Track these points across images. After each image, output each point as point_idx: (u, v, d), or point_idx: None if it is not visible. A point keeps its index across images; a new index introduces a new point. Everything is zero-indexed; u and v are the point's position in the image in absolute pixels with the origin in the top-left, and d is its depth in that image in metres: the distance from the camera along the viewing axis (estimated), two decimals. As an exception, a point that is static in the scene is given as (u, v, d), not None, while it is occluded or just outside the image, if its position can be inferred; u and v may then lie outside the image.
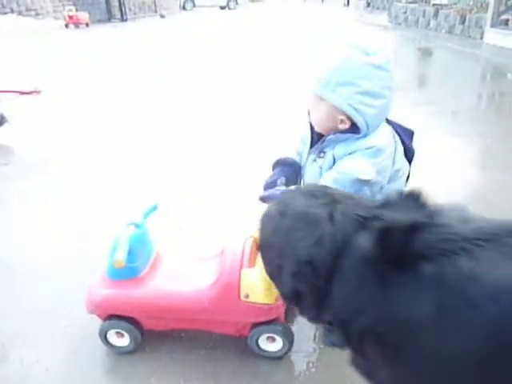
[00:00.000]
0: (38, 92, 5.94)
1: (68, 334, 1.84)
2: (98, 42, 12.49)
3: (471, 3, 10.68)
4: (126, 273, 1.64)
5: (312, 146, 1.54)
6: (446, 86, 6.09)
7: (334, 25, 14.47)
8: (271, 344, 1.61)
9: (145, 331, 1.71)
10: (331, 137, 1.43)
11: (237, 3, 27.41)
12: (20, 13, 18.11)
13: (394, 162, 1.45)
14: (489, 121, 4.54)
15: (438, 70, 7.44)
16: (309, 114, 1.52)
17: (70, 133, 4.46)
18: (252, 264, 1.55)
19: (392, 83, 1.41)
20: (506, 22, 8.69)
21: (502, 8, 8.73)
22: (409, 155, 1.53)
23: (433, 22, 11.61)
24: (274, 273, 1.13)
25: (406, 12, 13.40)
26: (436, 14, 11.45)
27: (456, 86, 6.01)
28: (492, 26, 8.81)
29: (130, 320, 1.66)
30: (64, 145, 4.10)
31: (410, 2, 13.92)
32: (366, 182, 1.36)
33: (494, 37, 8.68)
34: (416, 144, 1.56)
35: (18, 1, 18.32)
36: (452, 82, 6.33)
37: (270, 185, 1.57)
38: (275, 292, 1.49)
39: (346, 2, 23.27)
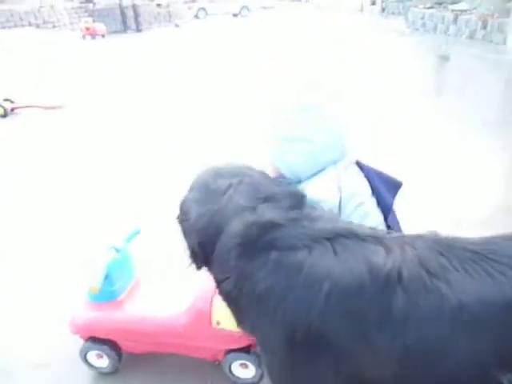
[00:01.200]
0: (60, 107, 6.21)
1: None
2: (115, 52, 12.82)
3: (492, 8, 10.61)
4: (104, 296, 1.70)
5: None
6: (473, 94, 6.02)
7: (349, 32, 14.49)
8: (244, 370, 1.65)
9: (123, 353, 1.76)
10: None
11: (249, 10, 27.78)
12: (38, 26, 18.66)
13: (341, 214, 1.32)
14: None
15: (463, 77, 7.37)
16: None
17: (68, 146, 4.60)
18: (226, 291, 1.59)
19: (323, 125, 1.33)
20: None
21: None
22: (384, 209, 1.40)
23: (452, 28, 11.56)
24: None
25: (423, 18, 13.35)
26: (455, 20, 11.41)
27: (484, 95, 5.97)
28: None
29: (109, 342, 1.72)
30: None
31: (427, 8, 13.87)
32: None
33: None
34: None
35: (35, 14, 18.90)
36: (480, 90, 6.28)
37: None
38: (245, 319, 1.54)
39: (361, 8, 23.22)
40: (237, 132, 4.71)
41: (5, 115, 5.94)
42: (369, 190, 1.39)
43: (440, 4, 13.74)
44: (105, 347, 1.71)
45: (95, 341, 1.73)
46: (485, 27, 10.18)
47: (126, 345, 1.75)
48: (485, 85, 6.57)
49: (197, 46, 12.97)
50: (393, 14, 18.96)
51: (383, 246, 1.03)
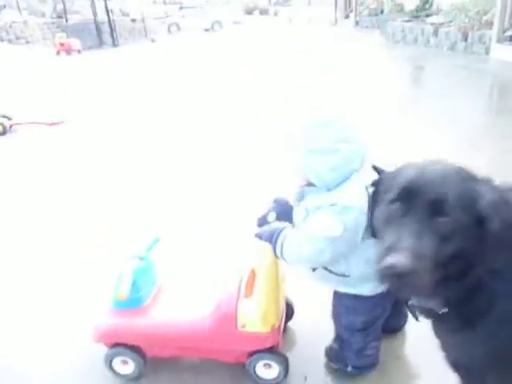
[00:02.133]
0: (61, 123, 6.21)
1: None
2: (97, 68, 12.93)
3: (467, 20, 11.13)
4: (130, 303, 1.78)
5: None
6: (455, 102, 6.29)
7: (328, 43, 14.95)
8: (267, 371, 1.75)
9: (148, 358, 1.83)
10: (303, 188, 1.58)
11: (221, 26, 28.34)
12: (10, 41, 18.47)
13: (367, 218, 1.43)
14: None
15: (446, 85, 7.67)
16: None
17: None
18: (249, 295, 1.70)
19: (346, 134, 1.46)
20: (511, 38, 9.28)
21: (506, 25, 9.32)
22: None
23: (433, 40, 11.99)
24: None
25: (403, 30, 13.79)
26: (436, 32, 11.85)
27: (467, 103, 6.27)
28: (498, 41, 9.37)
29: (134, 348, 1.79)
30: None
31: (405, 21, 14.39)
32: (334, 239, 1.43)
33: (500, 52, 9.26)
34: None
35: (7, 29, 18.72)
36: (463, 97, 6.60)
37: (261, 220, 1.76)
38: (271, 321, 1.65)
39: (334, 22, 23.79)
40: (218, 141, 5.00)
41: (4, 132, 5.89)
42: None
43: (417, 17, 14.28)
44: (130, 353, 1.78)
45: (120, 347, 1.80)
46: (465, 39, 10.66)
47: (150, 350, 1.82)
48: (467, 93, 6.95)
49: (176, 61, 13.12)
50: (367, 27, 19.52)
51: None
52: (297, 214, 1.65)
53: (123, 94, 8.35)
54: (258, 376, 1.76)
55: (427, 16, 13.85)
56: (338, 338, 1.78)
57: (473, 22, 10.87)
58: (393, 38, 14.21)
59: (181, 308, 1.83)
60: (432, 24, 12.42)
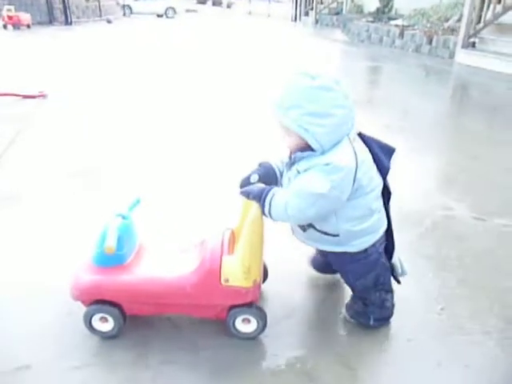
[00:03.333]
0: (43, 96, 5.96)
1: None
2: (55, 44, 12.69)
3: (428, 25, 11.91)
4: (113, 260, 1.82)
5: None
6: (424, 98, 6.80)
7: (295, 40, 15.26)
8: (246, 325, 1.85)
9: (127, 317, 1.88)
10: (296, 154, 1.67)
11: (175, 12, 28.08)
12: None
13: (354, 180, 1.59)
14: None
15: (412, 82, 8.39)
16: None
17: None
18: (231, 252, 1.79)
19: (343, 101, 1.56)
20: (473, 44, 10.15)
21: (471, 31, 10.09)
22: (382, 172, 1.72)
23: (398, 41, 12.56)
24: None
25: (368, 30, 14.30)
26: (402, 34, 12.42)
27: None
28: (463, 46, 10.18)
29: (115, 305, 1.84)
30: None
31: (370, 22, 14.95)
32: (321, 196, 1.55)
33: (464, 57, 10.09)
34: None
35: None
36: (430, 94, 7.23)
37: (243, 181, 1.86)
38: (253, 276, 1.76)
39: (294, 18, 24.08)
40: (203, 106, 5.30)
41: None
42: (371, 157, 1.70)
43: (379, 19, 14.80)
44: (111, 309, 1.82)
45: (100, 304, 1.83)
46: (430, 42, 11.43)
47: (130, 307, 1.87)
48: (434, 89, 7.60)
49: (137, 42, 12.98)
50: (327, 25, 20.01)
51: None
52: (286, 180, 1.76)
53: (87, 69, 8.52)
54: (237, 330, 1.86)
55: (389, 19, 14.42)
56: (359, 297, 1.94)
57: (435, 27, 11.61)
58: (358, 36, 14.71)
59: (163, 265, 1.89)
60: (396, 26, 13.01)
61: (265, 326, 1.86)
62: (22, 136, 4.44)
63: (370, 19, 15.33)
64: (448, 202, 3.15)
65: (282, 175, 1.88)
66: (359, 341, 1.89)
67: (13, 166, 3.72)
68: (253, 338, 1.87)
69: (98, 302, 1.84)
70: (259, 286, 1.85)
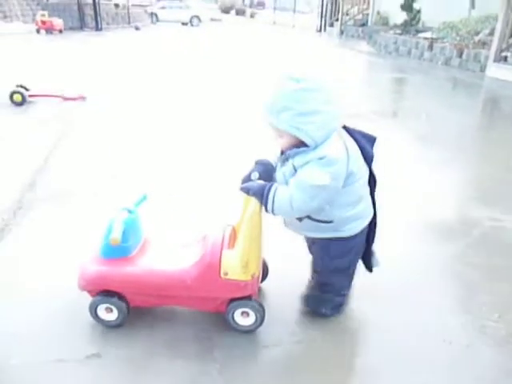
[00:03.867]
0: (83, 98, 6.20)
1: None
2: (89, 49, 13.31)
3: (458, 39, 11.82)
4: (119, 252, 1.91)
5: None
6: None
7: (320, 50, 15.37)
8: (245, 319, 1.90)
9: (130, 308, 1.96)
10: (290, 151, 1.76)
11: (200, 21, 28.54)
12: (-14, 14, 18.08)
13: (347, 170, 1.71)
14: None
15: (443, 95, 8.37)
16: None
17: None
18: (231, 247, 1.85)
19: (329, 98, 1.68)
20: (505, 58, 10.02)
21: (504, 45, 10.02)
22: (368, 160, 1.84)
23: (427, 54, 12.43)
24: None
25: (396, 42, 14.22)
26: (431, 47, 12.30)
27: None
28: (494, 60, 10.09)
29: (120, 296, 1.92)
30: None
31: (398, 34, 14.88)
32: (323, 187, 1.66)
33: (495, 70, 9.99)
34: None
35: (-15, 2, 18.31)
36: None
37: (245, 179, 1.93)
38: (251, 270, 1.81)
39: (318, 28, 24.09)
40: (201, 123, 5.37)
41: (22, 103, 5.83)
42: (357, 147, 1.80)
43: (407, 32, 14.72)
44: (116, 301, 1.90)
45: (105, 295, 1.92)
46: (460, 55, 11.24)
47: (134, 299, 1.94)
48: (465, 102, 7.57)
49: (164, 48, 13.38)
50: (352, 36, 19.97)
51: None
52: (280, 175, 1.83)
53: (118, 72, 8.99)
54: (236, 323, 1.91)
55: (417, 31, 14.36)
56: (321, 284, 2.03)
57: (465, 40, 11.52)
58: (385, 48, 14.67)
59: (166, 259, 1.97)
60: (425, 38, 12.93)
61: (263, 319, 1.91)
62: (67, 136, 4.68)
63: (398, 31, 15.28)
64: (494, 214, 3.13)
65: None
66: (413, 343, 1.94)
67: (61, 164, 3.90)
68: (252, 331, 1.93)
69: (103, 292, 1.92)
70: (258, 280, 1.91)
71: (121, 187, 3.35)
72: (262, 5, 51.24)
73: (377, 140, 1.85)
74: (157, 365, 1.78)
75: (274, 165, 1.94)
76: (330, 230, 1.85)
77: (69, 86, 6.62)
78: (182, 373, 1.75)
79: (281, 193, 1.73)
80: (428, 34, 13.35)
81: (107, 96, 6.79)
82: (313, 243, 2.01)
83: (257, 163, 1.96)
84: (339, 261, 1.94)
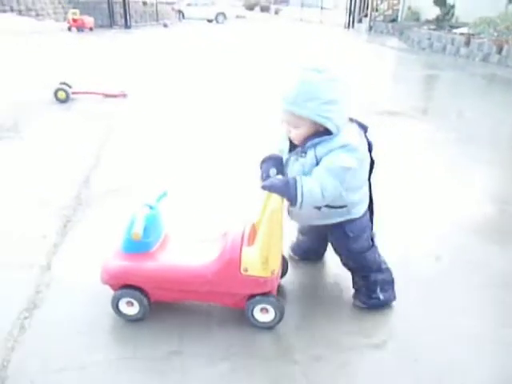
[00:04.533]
0: (124, 95, 6.33)
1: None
2: (121, 46, 13.61)
3: (496, 34, 11.42)
4: (140, 247, 1.94)
5: (290, 151, 1.92)
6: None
7: (350, 46, 15.21)
8: (264, 315, 1.91)
9: (151, 303, 1.99)
10: (311, 142, 1.80)
11: (225, 18, 28.63)
12: (20, 12, 18.60)
13: (362, 154, 1.86)
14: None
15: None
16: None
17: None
18: (251, 244, 1.87)
19: (345, 88, 1.79)
20: None
21: None
22: (369, 147, 1.94)
23: (463, 50, 12.06)
24: None
25: (430, 38, 13.86)
26: (468, 43, 11.93)
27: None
28: None
29: (141, 290, 1.95)
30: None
31: (432, 29, 14.51)
32: (352, 170, 1.77)
33: None
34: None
35: (18, 0, 18.83)
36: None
37: (263, 176, 1.94)
38: (271, 266, 1.82)
39: (347, 25, 23.77)
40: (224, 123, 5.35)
41: (66, 100, 5.99)
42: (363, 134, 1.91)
43: (441, 28, 14.37)
44: (137, 295, 1.94)
45: (127, 289, 1.95)
46: (499, 52, 10.83)
47: (154, 293, 1.97)
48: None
49: (192, 45, 13.56)
50: (381, 32, 19.63)
51: None
52: (297, 168, 1.86)
53: (151, 69, 9.23)
54: (255, 319, 1.92)
55: (451, 27, 14.00)
56: (357, 272, 2.11)
57: (504, 36, 11.07)
58: (418, 44, 14.33)
59: (187, 254, 2.00)
60: (461, 34, 12.56)
61: (282, 316, 1.91)
62: (113, 132, 4.82)
63: (432, 27, 14.94)
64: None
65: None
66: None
67: (112, 160, 4.01)
68: (271, 327, 1.93)
69: (124, 287, 1.96)
70: (277, 277, 1.91)
71: (166, 182, 3.40)
72: (285, 1, 51.11)
73: (368, 128, 1.95)
74: (235, 364, 1.78)
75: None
76: (343, 214, 1.94)
77: (106, 83, 6.79)
78: (262, 373, 1.75)
79: (309, 184, 1.75)
80: (464, 30, 12.93)
81: (144, 92, 6.93)
82: (330, 233, 2.07)
83: (268, 159, 1.98)
84: (360, 242, 2.01)
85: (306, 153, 1.81)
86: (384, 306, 2.08)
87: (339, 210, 1.92)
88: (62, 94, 5.97)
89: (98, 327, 1.98)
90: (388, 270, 2.10)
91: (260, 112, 5.70)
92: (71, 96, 6.04)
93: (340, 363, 1.79)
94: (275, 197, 1.76)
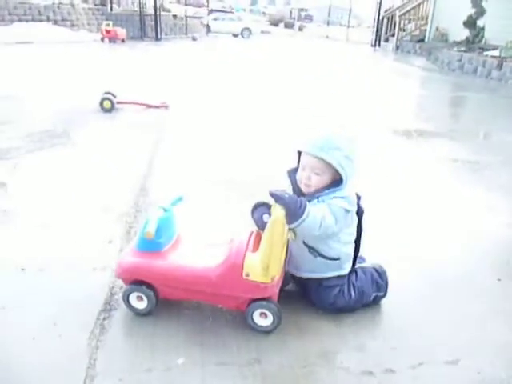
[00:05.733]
0: (166, 106, 6.54)
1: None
2: (155, 58, 14.10)
3: None
4: (152, 246, 2.11)
5: None
6: None
7: (378, 64, 15.44)
8: (263, 319, 2.03)
9: (159, 299, 2.14)
10: (321, 193, 2.02)
11: (250, 33, 29.12)
12: (56, 22, 19.35)
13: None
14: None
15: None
16: (289, 176, 2.17)
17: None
18: (255, 251, 2.01)
19: (357, 153, 2.03)
20: None
21: None
22: (361, 213, 2.15)
23: (495, 73, 12.07)
24: None
25: (460, 60, 13.87)
26: (500, 66, 11.94)
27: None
28: None
29: (150, 286, 2.10)
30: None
31: (462, 51, 14.54)
32: (347, 213, 2.01)
33: None
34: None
35: (55, 10, 19.61)
36: None
37: (260, 224, 2.16)
38: (272, 273, 1.95)
39: (373, 43, 23.80)
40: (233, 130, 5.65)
41: (111, 109, 6.18)
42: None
43: (471, 49, 14.37)
44: (146, 290, 2.09)
45: (137, 284, 2.10)
46: None
47: (162, 290, 2.12)
48: None
49: (221, 58, 14.01)
50: (408, 52, 19.69)
51: None
52: None
53: (185, 80, 9.59)
54: (254, 323, 2.05)
55: (481, 49, 13.97)
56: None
57: None
58: (448, 65, 14.37)
59: (195, 256, 2.14)
60: (493, 57, 12.60)
61: (280, 321, 2.03)
62: (162, 141, 5.02)
63: (462, 48, 14.95)
64: None
65: None
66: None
67: (164, 168, 4.17)
68: (269, 331, 2.05)
69: (135, 282, 2.12)
70: (278, 284, 2.04)
71: (217, 189, 3.64)
72: (309, 18, 51.72)
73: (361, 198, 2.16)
74: (317, 375, 1.83)
75: None
76: (335, 268, 2.15)
77: (144, 93, 7.05)
78: None
79: (315, 211, 1.92)
80: (495, 53, 12.94)
81: (183, 103, 7.15)
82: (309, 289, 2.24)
83: (260, 206, 2.21)
84: (344, 296, 2.17)
85: (310, 201, 2.00)
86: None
87: (331, 261, 2.11)
88: (107, 104, 6.12)
89: (174, 330, 2.08)
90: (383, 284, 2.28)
91: (284, 130, 5.81)
92: (116, 106, 6.21)
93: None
94: (279, 208, 1.88)
